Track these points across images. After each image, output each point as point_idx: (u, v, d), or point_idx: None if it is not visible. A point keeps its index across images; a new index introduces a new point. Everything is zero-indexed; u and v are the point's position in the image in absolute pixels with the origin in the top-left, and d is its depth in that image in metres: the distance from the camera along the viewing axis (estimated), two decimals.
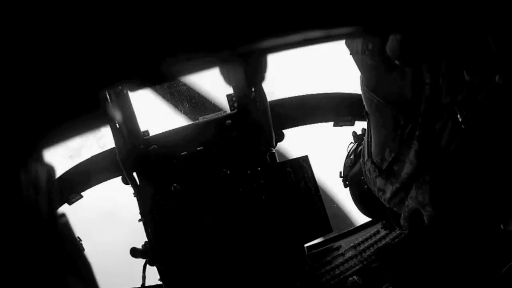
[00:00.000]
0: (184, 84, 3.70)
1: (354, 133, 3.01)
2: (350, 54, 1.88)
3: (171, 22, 0.55)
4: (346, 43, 1.87)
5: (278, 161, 3.40)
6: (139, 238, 3.19)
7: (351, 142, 3.01)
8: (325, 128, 3.70)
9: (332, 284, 3.29)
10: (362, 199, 2.70)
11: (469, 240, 1.95)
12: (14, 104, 0.55)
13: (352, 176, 2.80)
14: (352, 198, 2.87)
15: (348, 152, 2.97)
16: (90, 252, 3.52)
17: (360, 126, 3.16)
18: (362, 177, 2.32)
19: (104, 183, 3.59)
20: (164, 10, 0.55)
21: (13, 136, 0.56)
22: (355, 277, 3.22)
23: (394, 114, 1.74)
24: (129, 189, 3.26)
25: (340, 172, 2.99)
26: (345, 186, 2.93)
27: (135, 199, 3.23)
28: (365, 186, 2.38)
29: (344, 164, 2.95)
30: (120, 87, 2.52)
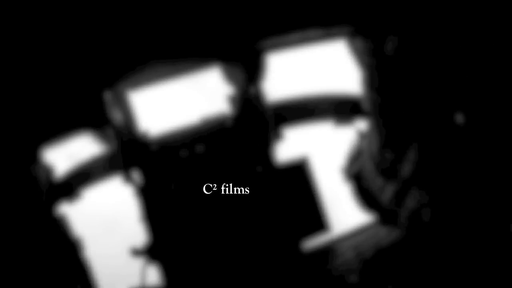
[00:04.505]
0: None
1: (358, 130, 3.02)
2: (351, 53, 1.88)
3: (173, 22, 0.55)
4: (346, 42, 1.88)
5: (278, 161, 3.40)
6: (138, 239, 3.20)
7: (354, 138, 3.02)
8: (325, 128, 3.70)
9: (331, 284, 3.29)
10: (362, 196, 2.71)
11: (469, 240, 1.95)
12: (15, 104, 0.55)
13: (353, 173, 2.81)
14: (352, 194, 2.88)
15: (351, 148, 2.98)
16: (91, 252, 3.53)
17: (360, 126, 3.16)
18: (363, 174, 2.33)
19: (104, 185, 3.60)
20: (166, 9, 0.55)
21: (14, 136, 0.57)
22: (354, 277, 3.22)
23: (395, 113, 1.74)
24: (128, 192, 3.27)
25: (342, 168, 3.01)
26: (346, 181, 2.94)
27: (134, 201, 3.24)
28: (366, 183, 2.38)
29: (346, 160, 2.97)
30: (120, 88, 2.53)
